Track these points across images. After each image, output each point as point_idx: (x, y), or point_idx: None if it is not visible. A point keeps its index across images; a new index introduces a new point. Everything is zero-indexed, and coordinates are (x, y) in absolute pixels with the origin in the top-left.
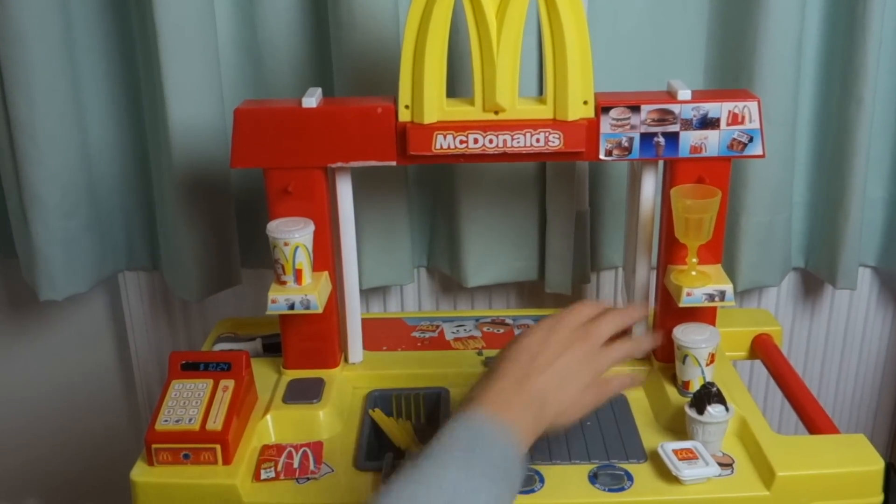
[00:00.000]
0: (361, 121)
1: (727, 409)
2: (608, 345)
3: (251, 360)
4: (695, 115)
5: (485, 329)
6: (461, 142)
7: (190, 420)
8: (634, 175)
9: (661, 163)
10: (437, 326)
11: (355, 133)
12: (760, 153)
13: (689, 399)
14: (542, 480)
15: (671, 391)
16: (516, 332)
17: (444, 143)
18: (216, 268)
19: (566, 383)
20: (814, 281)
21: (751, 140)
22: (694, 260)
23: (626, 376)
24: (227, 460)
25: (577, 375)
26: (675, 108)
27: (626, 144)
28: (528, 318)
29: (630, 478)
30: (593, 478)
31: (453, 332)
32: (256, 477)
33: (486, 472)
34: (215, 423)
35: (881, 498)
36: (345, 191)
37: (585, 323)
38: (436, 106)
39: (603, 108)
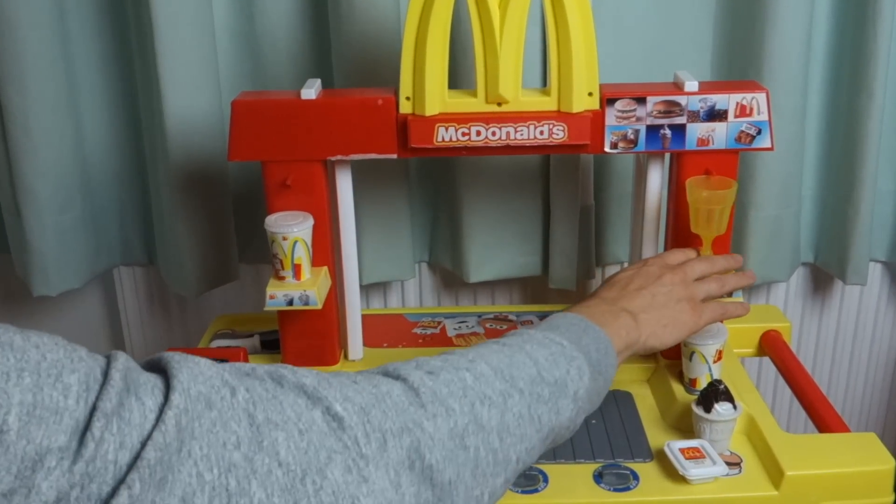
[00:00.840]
0: (361, 113)
1: (735, 407)
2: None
3: (249, 356)
4: (702, 107)
5: (487, 325)
6: (463, 134)
7: None
8: (640, 168)
9: (667, 156)
10: (439, 323)
11: (355, 125)
12: (769, 146)
13: (696, 397)
14: (545, 480)
15: (678, 389)
16: (519, 328)
17: (445, 135)
18: (213, 263)
19: (658, 304)
20: (823, 276)
21: (759, 132)
22: (709, 252)
23: (723, 304)
24: None
25: (669, 299)
26: (682, 99)
27: (632, 137)
28: (531, 315)
29: (636, 477)
30: (598, 477)
31: (455, 329)
32: None
33: (583, 349)
34: None
35: (892, 498)
36: (344, 184)
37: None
38: (437, 97)
39: (608, 100)
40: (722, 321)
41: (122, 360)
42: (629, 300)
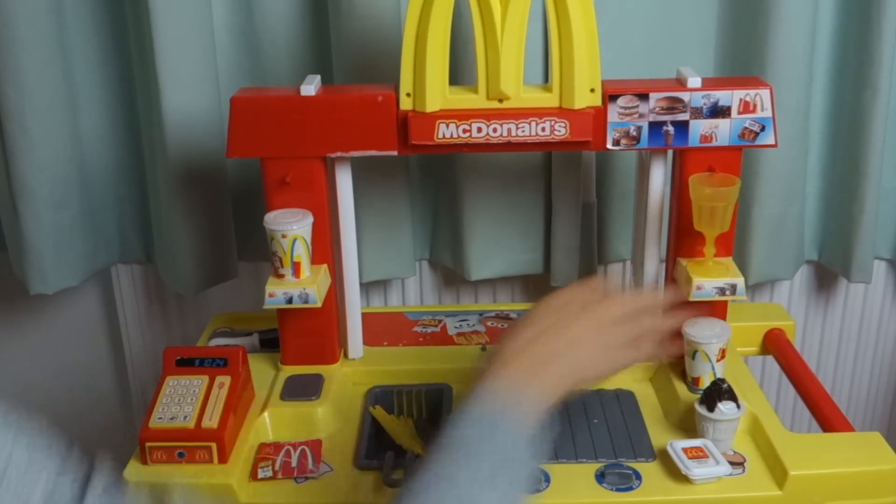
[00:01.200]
0: (361, 109)
1: (738, 406)
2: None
3: (248, 355)
4: (705, 104)
5: (488, 324)
6: (464, 131)
7: (185, 418)
8: (643, 165)
9: (670, 153)
10: (440, 321)
11: (355, 122)
12: (773, 142)
13: (699, 396)
14: (547, 480)
15: (681, 388)
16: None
17: (446, 132)
18: (212, 261)
19: (581, 343)
20: (827, 274)
21: (763, 129)
22: (712, 250)
23: (658, 343)
24: (223, 459)
25: (594, 337)
26: (685, 95)
27: (635, 133)
28: None
29: (638, 477)
30: (600, 477)
31: (456, 327)
32: (253, 476)
33: (494, 470)
34: (211, 421)
35: None
36: (344, 181)
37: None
38: (438, 94)
39: (610, 97)
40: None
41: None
42: (556, 338)
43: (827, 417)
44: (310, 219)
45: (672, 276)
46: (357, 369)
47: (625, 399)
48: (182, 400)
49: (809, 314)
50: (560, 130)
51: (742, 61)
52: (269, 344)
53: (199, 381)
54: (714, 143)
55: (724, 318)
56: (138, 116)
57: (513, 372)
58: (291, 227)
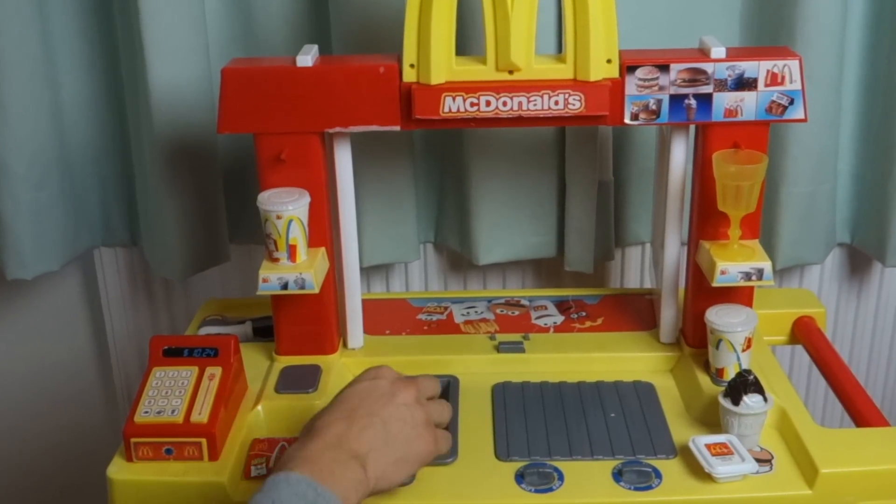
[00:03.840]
0: (362, 81)
1: (765, 399)
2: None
3: (240, 345)
4: (730, 75)
5: (498, 311)
6: (472, 104)
7: (173, 411)
8: (663, 141)
9: (692, 128)
10: (446, 308)
11: (355, 95)
12: (802, 117)
13: (723, 388)
14: (561, 478)
15: (704, 380)
16: (532, 314)
17: (452, 105)
18: (202, 243)
19: (391, 437)
20: (861, 258)
21: (791, 102)
22: (738, 232)
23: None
24: (213, 456)
25: (404, 425)
26: (709, 67)
27: (654, 107)
28: (545, 299)
29: (658, 475)
30: (617, 475)
31: (463, 315)
32: (246, 474)
33: None
34: (200, 415)
35: None
36: (343, 158)
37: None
38: (444, 65)
39: (628, 68)
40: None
41: None
42: (356, 438)
43: (860, 411)
44: (306, 198)
45: (694, 260)
46: (357, 360)
47: (644, 391)
48: (169, 393)
49: (841, 301)
50: (574, 104)
51: (770, 30)
52: (263, 333)
53: (187, 373)
54: (739, 118)
55: (750, 305)
56: (122, 89)
57: (324, 462)
58: (287, 208)
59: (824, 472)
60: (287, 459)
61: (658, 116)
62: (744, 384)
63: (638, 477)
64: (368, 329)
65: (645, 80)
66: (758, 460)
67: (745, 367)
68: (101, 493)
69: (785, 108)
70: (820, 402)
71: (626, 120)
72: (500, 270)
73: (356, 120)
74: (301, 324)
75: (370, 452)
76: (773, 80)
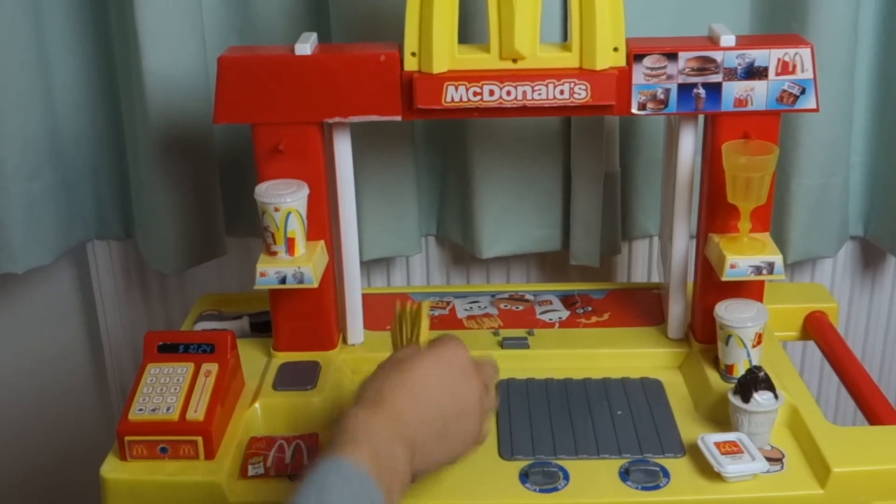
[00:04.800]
0: (362, 70)
1: (776, 396)
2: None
3: (237, 341)
4: (739, 64)
5: (502, 306)
6: (475, 94)
7: (168, 409)
8: (671, 132)
9: (701, 118)
10: (448, 303)
11: (355, 84)
12: (814, 106)
13: (733, 385)
14: (566, 477)
15: (713, 376)
16: (537, 309)
17: (455, 95)
18: (197, 237)
19: (451, 434)
20: (874, 251)
21: (803, 92)
22: (748, 224)
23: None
24: (209, 455)
25: (470, 426)
26: (718, 55)
27: (662, 97)
28: (549, 294)
29: (666, 474)
30: (624, 474)
31: (466, 310)
32: (243, 473)
33: None
34: (196, 413)
35: None
36: (343, 149)
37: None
38: (446, 53)
39: (635, 56)
40: None
41: None
42: (416, 429)
43: (873, 409)
44: (305, 190)
45: (703, 254)
46: (357, 356)
47: (651, 388)
48: (164, 390)
49: (854, 295)
50: (580, 93)
51: (780, 17)
52: (261, 328)
53: (183, 369)
54: (749, 108)
55: (760, 299)
56: (116, 78)
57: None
58: (285, 200)
59: (837, 472)
60: (353, 436)
61: (666, 106)
62: (754, 381)
63: (645, 476)
64: (369, 324)
65: (653, 68)
66: (768, 459)
67: (755, 363)
68: (94, 493)
69: (796, 97)
70: (832, 399)
71: (634, 110)
72: (504, 264)
73: (356, 110)
74: (299, 319)
75: (422, 446)
76: (784, 68)
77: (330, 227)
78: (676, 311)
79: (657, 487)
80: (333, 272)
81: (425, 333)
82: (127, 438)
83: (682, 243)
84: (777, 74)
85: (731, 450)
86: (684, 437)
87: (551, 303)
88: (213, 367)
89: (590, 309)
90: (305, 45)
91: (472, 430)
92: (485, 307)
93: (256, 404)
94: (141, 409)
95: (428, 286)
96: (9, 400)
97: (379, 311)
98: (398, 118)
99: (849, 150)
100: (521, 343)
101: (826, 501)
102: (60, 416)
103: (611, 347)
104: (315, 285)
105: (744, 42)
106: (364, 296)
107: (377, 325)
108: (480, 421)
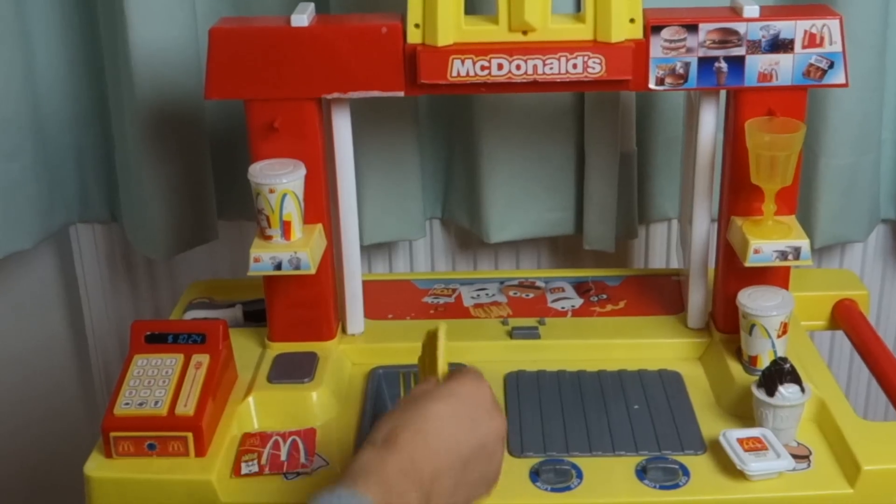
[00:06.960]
0: (362, 43)
1: (803, 389)
2: None
3: (229, 330)
4: (764, 36)
5: (511, 293)
6: (482, 68)
7: (156, 403)
8: (691, 108)
9: (723, 93)
10: (454, 290)
11: (355, 58)
12: (843, 81)
13: (756, 378)
14: (580, 476)
15: (735, 368)
16: (548, 296)
17: (461, 69)
18: (187, 220)
19: (469, 482)
20: None
21: (831, 66)
22: (772, 207)
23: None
24: (200, 451)
25: (489, 473)
26: (741, 27)
27: (681, 71)
28: (562, 280)
29: (686, 472)
30: (641, 472)
31: (473, 298)
32: (236, 471)
33: None
34: (186, 407)
35: None
36: (342, 127)
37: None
38: (452, 25)
39: (653, 28)
40: None
41: None
42: (432, 478)
43: None
44: (302, 171)
45: (725, 238)
46: (357, 347)
47: (670, 381)
48: (152, 383)
49: (886, 282)
50: (594, 67)
51: None
52: (255, 317)
53: (172, 361)
54: (774, 83)
55: (786, 286)
56: (101, 51)
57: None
58: (280, 181)
59: (867, 470)
60: (362, 472)
61: (686, 81)
62: (779, 373)
63: (664, 474)
64: (369, 313)
65: (671, 41)
66: (794, 456)
67: (780, 354)
68: (79, 492)
69: (824, 71)
70: (862, 392)
71: (651, 85)
72: (514, 249)
73: (356, 85)
74: (296, 307)
75: (437, 497)
76: (811, 41)
77: (328, 209)
78: (696, 298)
79: (676, 486)
80: (332, 258)
81: (443, 362)
82: (112, 434)
83: (703, 227)
84: (803, 47)
85: (755, 446)
86: (705, 433)
87: (563, 290)
88: (203, 359)
89: (604, 296)
90: (302, 17)
91: (495, 469)
92: (493, 295)
93: (250, 398)
94: (127, 404)
95: (432, 272)
96: None
97: (380, 298)
98: (401, 94)
99: (880, 128)
100: (531, 333)
101: (856, 501)
102: (42, 411)
103: (627, 338)
104: (312, 271)
105: (768, 13)
106: (364, 283)
107: (378, 314)
108: (502, 459)
